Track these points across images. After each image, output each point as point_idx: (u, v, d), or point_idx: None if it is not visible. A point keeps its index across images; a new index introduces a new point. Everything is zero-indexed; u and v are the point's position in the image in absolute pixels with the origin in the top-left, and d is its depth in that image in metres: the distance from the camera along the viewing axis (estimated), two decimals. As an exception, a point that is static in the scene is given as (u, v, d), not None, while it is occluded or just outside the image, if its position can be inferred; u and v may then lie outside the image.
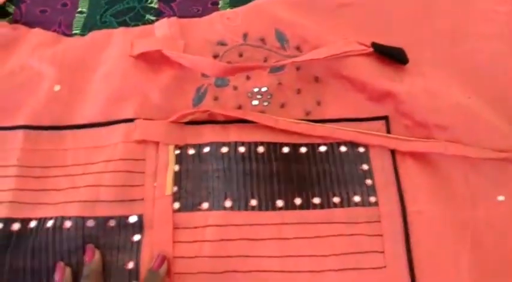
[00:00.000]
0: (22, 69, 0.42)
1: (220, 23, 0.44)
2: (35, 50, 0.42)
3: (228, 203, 0.37)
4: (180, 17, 0.45)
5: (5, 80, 0.41)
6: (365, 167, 0.39)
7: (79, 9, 0.46)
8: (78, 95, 0.41)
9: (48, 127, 0.40)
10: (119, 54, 0.42)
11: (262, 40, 0.43)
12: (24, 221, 0.37)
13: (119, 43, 0.43)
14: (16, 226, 0.37)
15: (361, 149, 0.40)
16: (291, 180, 0.39)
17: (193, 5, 0.46)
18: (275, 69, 0.43)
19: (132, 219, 0.37)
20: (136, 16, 0.45)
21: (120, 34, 0.43)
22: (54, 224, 0.36)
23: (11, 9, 0.46)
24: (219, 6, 0.46)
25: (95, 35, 0.44)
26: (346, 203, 0.38)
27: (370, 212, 0.37)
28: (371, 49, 0.42)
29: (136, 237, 0.36)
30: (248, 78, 0.43)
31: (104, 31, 0.44)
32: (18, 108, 0.41)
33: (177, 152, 0.39)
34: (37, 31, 0.44)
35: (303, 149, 0.40)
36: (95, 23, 0.45)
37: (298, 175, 0.39)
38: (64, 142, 0.40)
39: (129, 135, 0.39)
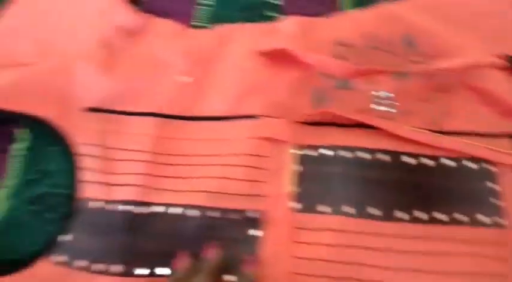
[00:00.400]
0: (152, 58, 0.43)
1: (346, 24, 0.43)
2: (164, 40, 0.44)
3: (347, 209, 0.37)
4: (303, 15, 0.45)
5: (137, 67, 0.43)
6: (492, 185, 0.37)
7: (204, 2, 0.47)
8: (204, 87, 0.42)
9: (176, 116, 0.42)
10: (246, 50, 0.43)
11: (390, 44, 0.42)
12: (151, 205, 0.39)
13: (245, 39, 0.43)
14: (143, 209, 0.39)
15: (489, 167, 0.38)
16: (412, 191, 0.38)
17: (315, 4, 0.46)
18: (401, 75, 0.42)
19: (253, 214, 0.38)
20: (259, 12, 0.46)
21: (245, 30, 0.44)
22: (180, 212, 0.38)
23: (137, -3, 0.48)
24: (342, 5, 0.45)
25: (220, 29, 0.45)
26: (471, 222, 0.36)
27: (497, 234, 0.36)
28: (506, 63, 0.40)
29: (256, 233, 0.37)
30: (371, 81, 0.42)
31: (229, 26, 0.45)
32: (148, 95, 0.42)
33: (299, 152, 0.40)
34: (165, 21, 0.45)
35: (426, 161, 0.39)
36: (219, 16, 0.46)
37: (420, 187, 0.38)
38: (190, 132, 0.41)
39: (255, 131, 0.40)
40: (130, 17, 0.45)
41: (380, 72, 0.40)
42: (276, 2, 0.46)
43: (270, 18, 0.46)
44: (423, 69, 0.40)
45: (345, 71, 0.39)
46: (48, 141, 0.43)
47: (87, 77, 0.43)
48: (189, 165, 0.40)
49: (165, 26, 0.45)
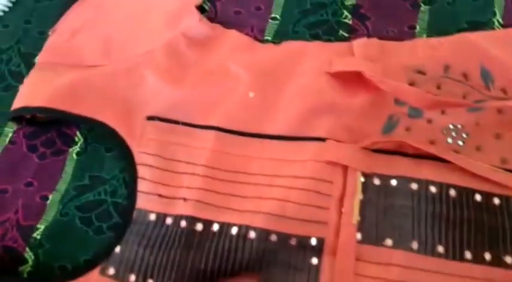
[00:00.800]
0: (220, 71, 0.42)
1: (422, 51, 0.41)
2: (232, 52, 0.43)
3: (414, 245, 0.35)
4: (374, 36, 0.43)
5: (203, 79, 0.42)
6: None
7: (272, 15, 0.46)
8: (270, 104, 0.41)
9: (239, 132, 0.40)
10: (315, 69, 0.41)
11: (465, 75, 0.41)
12: (208, 223, 0.38)
13: (315, 57, 0.42)
14: (199, 226, 0.37)
15: None
16: (481, 231, 0.36)
17: (388, 26, 0.44)
18: (475, 108, 0.40)
19: (313, 241, 0.36)
20: (329, 30, 0.45)
21: (316, 48, 0.43)
22: (239, 232, 0.37)
23: (207, 6, 0.47)
24: (416, 31, 0.44)
25: (290, 45, 0.43)
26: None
27: None
28: None
29: (315, 261, 0.36)
30: (443, 112, 0.40)
31: (299, 43, 0.43)
32: (212, 108, 0.41)
33: (363, 179, 0.38)
34: (233, 33, 0.44)
35: (496, 200, 0.37)
36: (287, 31, 0.45)
37: (489, 227, 0.36)
38: (252, 149, 0.40)
39: (319, 154, 0.38)
40: (199, 25, 0.44)
41: (457, 105, 0.39)
42: (347, 21, 0.45)
43: (340, 37, 0.44)
44: (499, 105, 0.38)
45: (423, 101, 0.38)
46: (106, 146, 0.42)
47: (152, 85, 0.42)
48: (251, 184, 0.39)
49: (234, 39, 0.44)
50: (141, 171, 0.40)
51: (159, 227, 0.38)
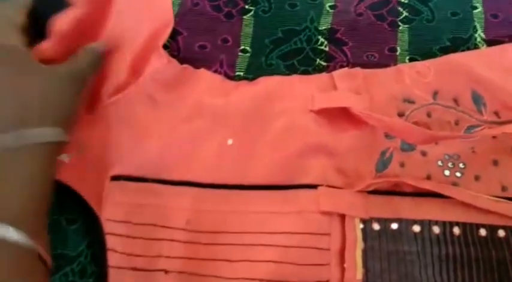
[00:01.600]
0: (193, 117, 0.38)
1: (409, 77, 0.38)
2: (204, 96, 0.38)
3: (423, 295, 0.33)
4: (354, 63, 0.40)
5: (175, 127, 0.37)
6: None
7: (241, 47, 0.42)
8: (251, 151, 0.37)
9: (218, 185, 0.36)
10: (297, 107, 0.38)
11: (456, 100, 0.38)
12: None
13: (295, 94, 0.38)
14: None
15: None
16: (490, 268, 0.34)
17: (367, 50, 0.41)
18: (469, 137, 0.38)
19: (316, 303, 0.33)
20: (305, 60, 0.41)
21: (295, 83, 0.39)
22: None
23: (167, 42, 0.42)
24: (397, 53, 0.41)
25: (266, 82, 0.39)
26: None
27: None
28: None
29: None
30: (436, 142, 0.38)
31: (276, 78, 0.39)
32: (187, 161, 0.37)
33: (362, 226, 0.35)
34: (204, 73, 0.40)
35: (502, 233, 0.35)
36: (260, 64, 0.41)
37: (497, 262, 0.34)
38: (235, 204, 0.36)
39: (312, 204, 0.35)
40: (168, 68, 0.39)
41: (452, 138, 0.36)
42: (323, 48, 0.41)
43: (318, 67, 0.41)
44: (494, 133, 0.36)
45: (423, 138, 0.35)
46: (67, 217, 0.37)
47: (116, 139, 0.37)
48: (237, 245, 0.35)
49: (205, 80, 0.39)
50: (110, 242, 0.35)
51: None
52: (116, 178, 0.36)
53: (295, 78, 0.39)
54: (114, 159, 0.37)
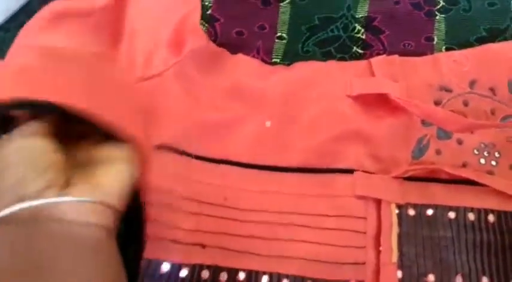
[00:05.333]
0: (233, 98, 0.38)
1: (446, 66, 0.39)
2: (243, 78, 0.39)
3: (459, 279, 0.33)
4: (391, 52, 0.41)
5: (216, 106, 0.38)
6: None
7: (278, 34, 0.42)
8: (289, 133, 0.38)
9: (256, 166, 0.37)
10: (335, 93, 0.38)
11: (492, 90, 0.38)
12: (233, 272, 0.34)
13: (332, 80, 0.39)
14: (224, 276, 0.34)
15: None
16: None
17: (404, 39, 0.41)
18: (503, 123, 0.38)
19: (353, 286, 0.34)
20: (342, 47, 0.41)
21: (332, 69, 0.39)
22: (270, 281, 0.34)
23: (205, 27, 0.43)
24: (434, 42, 0.41)
25: (304, 68, 0.40)
26: None
27: None
28: None
29: (357, 307, 0.33)
30: (472, 131, 0.38)
31: (313, 64, 0.40)
32: (227, 140, 0.38)
33: (397, 211, 0.36)
34: (242, 58, 0.40)
35: (538, 222, 0.36)
36: (296, 51, 0.41)
37: None
38: (270, 184, 0.37)
39: (348, 188, 0.36)
40: (208, 48, 0.39)
41: (489, 126, 0.37)
42: (360, 36, 0.41)
43: (354, 55, 0.41)
44: None
45: (461, 126, 0.35)
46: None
47: (162, 111, 0.38)
48: (273, 223, 0.35)
49: (243, 64, 0.40)
50: (152, 212, 0.35)
51: (165, 279, 0.34)
52: (161, 147, 0.37)
53: (332, 64, 0.40)
54: (158, 129, 0.37)
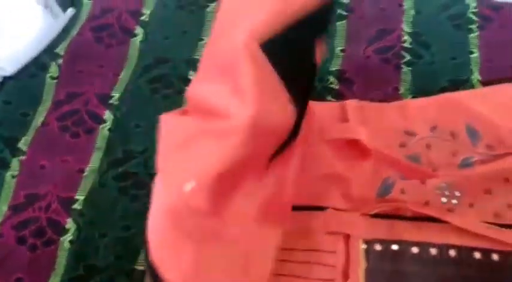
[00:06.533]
0: None
1: (411, 112, 0.43)
2: None
3: (421, 312, 0.36)
4: (361, 100, 0.45)
5: None
6: None
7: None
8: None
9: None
10: (314, 137, 0.42)
11: (452, 134, 0.42)
12: None
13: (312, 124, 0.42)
14: None
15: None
16: (485, 290, 0.37)
17: (373, 89, 0.46)
18: (464, 165, 0.41)
19: (321, 318, 0.36)
20: (317, 96, 0.46)
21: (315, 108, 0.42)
22: None
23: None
24: (400, 92, 0.46)
25: None
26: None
27: None
28: None
29: None
30: (435, 172, 0.42)
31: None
32: None
33: (364, 246, 0.39)
34: None
35: (495, 256, 0.38)
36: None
37: None
38: None
39: (320, 224, 0.39)
40: None
41: (443, 176, 0.40)
42: (333, 87, 0.46)
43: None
44: (485, 170, 0.40)
45: (413, 174, 0.40)
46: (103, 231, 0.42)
47: None
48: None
49: None
50: None
51: None
52: None
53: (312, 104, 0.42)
54: None
